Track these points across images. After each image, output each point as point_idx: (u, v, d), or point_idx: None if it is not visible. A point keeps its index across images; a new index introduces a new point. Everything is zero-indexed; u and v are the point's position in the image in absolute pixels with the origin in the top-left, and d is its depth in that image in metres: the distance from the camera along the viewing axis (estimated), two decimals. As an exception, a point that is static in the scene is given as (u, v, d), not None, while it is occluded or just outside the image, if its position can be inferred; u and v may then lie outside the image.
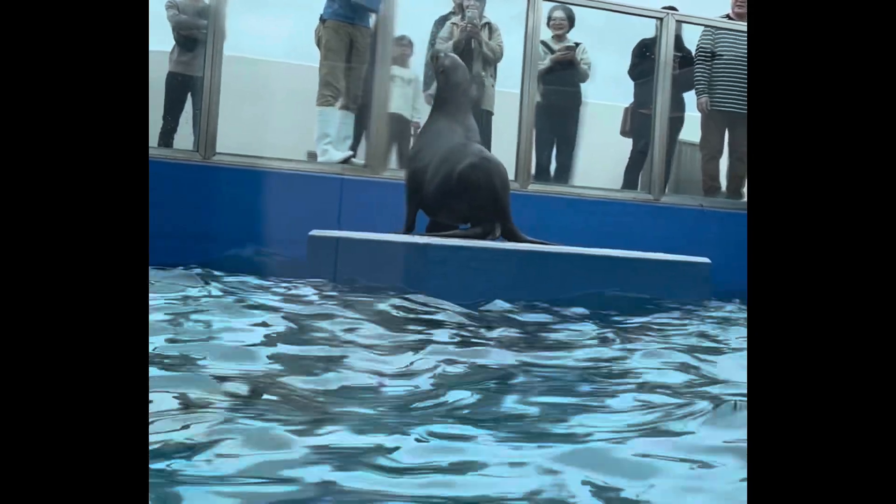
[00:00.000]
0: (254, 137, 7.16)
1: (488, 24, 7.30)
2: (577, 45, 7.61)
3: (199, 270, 4.89)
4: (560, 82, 7.53)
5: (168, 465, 1.34)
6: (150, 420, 1.54)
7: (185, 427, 1.57)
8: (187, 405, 1.76)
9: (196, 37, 6.76)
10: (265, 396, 1.92)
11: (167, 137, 6.69)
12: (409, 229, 5.17)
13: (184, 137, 6.71)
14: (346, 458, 1.47)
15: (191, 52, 6.78)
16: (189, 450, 1.43)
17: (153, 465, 1.30)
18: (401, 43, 7.41)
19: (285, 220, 6.00)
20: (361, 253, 4.78)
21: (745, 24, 7.56)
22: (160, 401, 1.74)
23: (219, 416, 1.67)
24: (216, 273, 4.92)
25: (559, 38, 7.59)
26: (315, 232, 5.14)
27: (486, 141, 6.89)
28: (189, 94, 6.82)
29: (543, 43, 7.43)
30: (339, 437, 1.63)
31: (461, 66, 5.46)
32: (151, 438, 1.42)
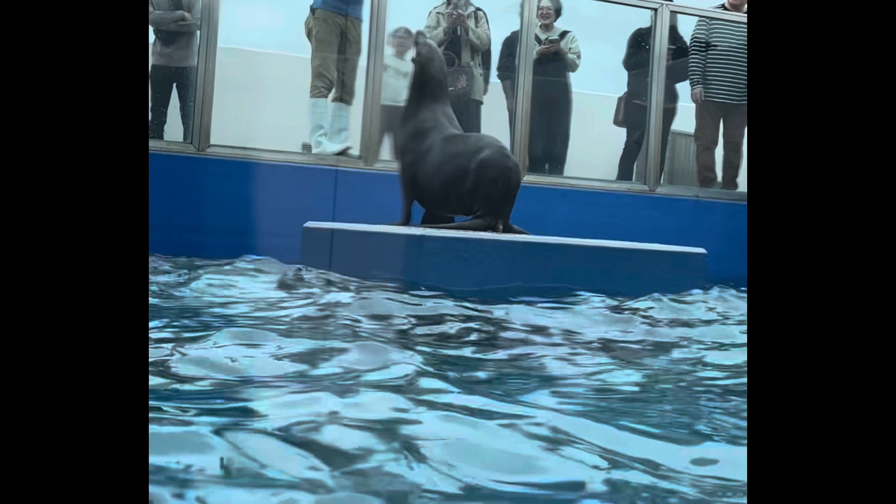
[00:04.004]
0: (247, 129, 7.14)
1: (475, 12, 7.28)
2: (566, 33, 7.58)
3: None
4: (548, 73, 7.51)
5: (168, 464, 1.33)
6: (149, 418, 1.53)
7: (186, 424, 1.56)
8: (186, 401, 1.75)
9: (174, 30, 6.72)
10: (264, 392, 1.91)
11: (157, 130, 6.67)
12: (406, 221, 5.17)
13: (172, 129, 6.69)
14: (349, 456, 1.46)
15: (172, 45, 6.75)
16: (190, 448, 1.42)
17: (153, 463, 1.29)
18: (397, 35, 7.40)
19: (280, 211, 5.99)
20: (356, 244, 4.76)
21: (741, 14, 7.55)
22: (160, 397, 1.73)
23: (220, 414, 1.65)
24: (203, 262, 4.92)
25: (546, 27, 7.56)
26: (310, 223, 5.12)
27: (476, 132, 6.88)
28: (174, 86, 6.79)
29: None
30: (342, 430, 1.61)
31: (437, 54, 5.41)
32: (151, 436, 1.41)
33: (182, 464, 1.32)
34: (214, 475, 1.30)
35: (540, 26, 7.51)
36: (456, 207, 5.08)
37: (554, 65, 7.51)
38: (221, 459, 1.37)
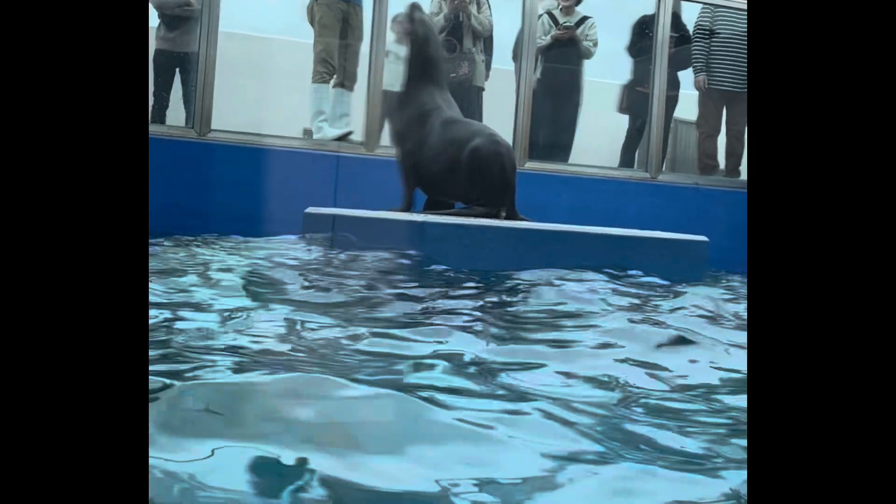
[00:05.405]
0: (249, 114, 7.13)
1: None
2: (586, 19, 7.51)
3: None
4: (560, 60, 7.47)
5: (168, 460, 1.32)
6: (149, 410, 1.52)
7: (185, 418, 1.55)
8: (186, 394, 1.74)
9: (180, 14, 6.69)
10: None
11: (158, 114, 6.65)
12: (407, 207, 5.16)
13: (175, 114, 6.68)
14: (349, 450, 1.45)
15: (177, 30, 6.73)
16: (190, 443, 1.41)
17: (153, 456, 1.28)
18: (398, 20, 7.37)
19: (281, 196, 5.98)
20: (358, 230, 4.76)
21: (744, 1, 7.53)
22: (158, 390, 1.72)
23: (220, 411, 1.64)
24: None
25: (567, 10, 7.48)
26: (311, 209, 5.11)
27: (477, 118, 6.86)
28: (177, 71, 6.77)
29: (550, 15, 7.35)
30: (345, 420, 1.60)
31: (432, 31, 5.28)
32: (151, 425, 1.40)
33: (182, 462, 1.32)
34: (215, 474, 1.29)
35: (560, 9, 7.43)
36: (456, 194, 5.07)
37: (566, 51, 7.44)
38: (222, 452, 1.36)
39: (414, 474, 1.33)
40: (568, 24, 7.41)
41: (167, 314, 2.56)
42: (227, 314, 2.64)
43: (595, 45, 7.52)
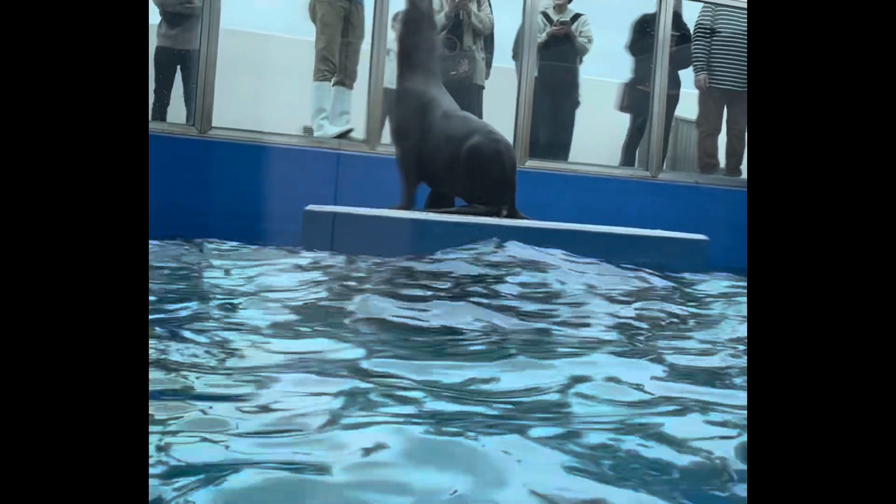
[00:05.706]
0: (250, 112, 7.12)
1: None
2: (579, 16, 7.51)
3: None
4: (556, 57, 7.47)
5: (167, 458, 1.32)
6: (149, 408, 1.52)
7: (185, 420, 1.55)
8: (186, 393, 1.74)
9: (181, 11, 6.68)
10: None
11: (160, 111, 6.64)
12: (408, 205, 5.13)
13: (176, 111, 6.67)
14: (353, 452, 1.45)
15: (178, 27, 6.71)
16: (190, 442, 1.41)
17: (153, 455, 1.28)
18: (397, 19, 7.36)
19: (282, 194, 5.97)
20: (358, 228, 4.75)
21: (745, 1, 7.51)
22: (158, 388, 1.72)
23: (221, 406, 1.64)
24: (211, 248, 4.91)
25: (560, 8, 7.48)
26: (311, 207, 5.11)
27: (477, 116, 6.84)
28: (178, 68, 6.76)
29: (544, 14, 7.34)
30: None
31: (424, 16, 5.10)
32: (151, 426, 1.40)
33: (182, 463, 1.31)
34: (216, 473, 1.29)
35: (553, 6, 7.43)
36: (457, 190, 5.06)
37: (562, 48, 7.43)
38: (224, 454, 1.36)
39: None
40: (563, 20, 7.41)
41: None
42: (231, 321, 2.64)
43: (590, 41, 7.51)
